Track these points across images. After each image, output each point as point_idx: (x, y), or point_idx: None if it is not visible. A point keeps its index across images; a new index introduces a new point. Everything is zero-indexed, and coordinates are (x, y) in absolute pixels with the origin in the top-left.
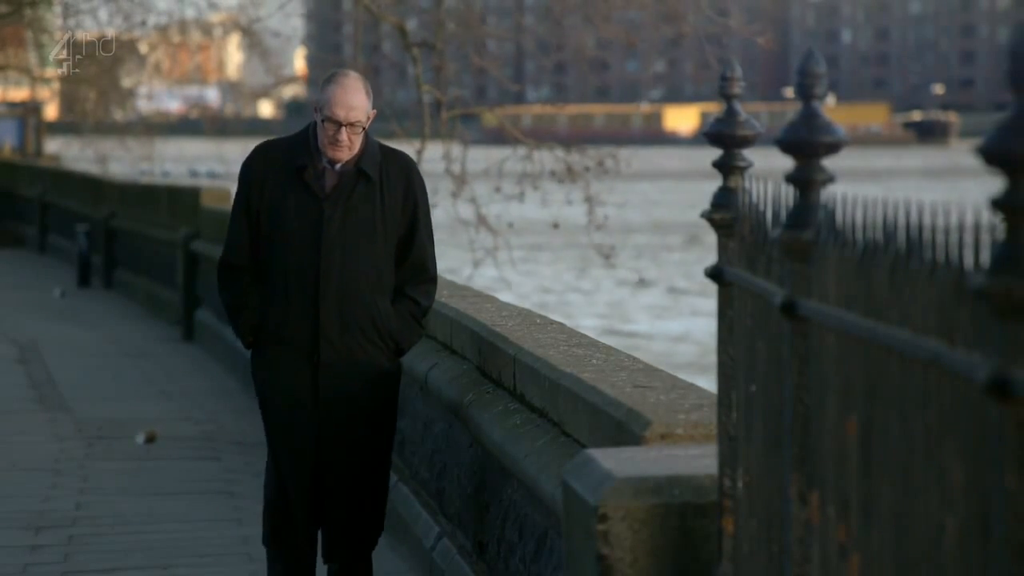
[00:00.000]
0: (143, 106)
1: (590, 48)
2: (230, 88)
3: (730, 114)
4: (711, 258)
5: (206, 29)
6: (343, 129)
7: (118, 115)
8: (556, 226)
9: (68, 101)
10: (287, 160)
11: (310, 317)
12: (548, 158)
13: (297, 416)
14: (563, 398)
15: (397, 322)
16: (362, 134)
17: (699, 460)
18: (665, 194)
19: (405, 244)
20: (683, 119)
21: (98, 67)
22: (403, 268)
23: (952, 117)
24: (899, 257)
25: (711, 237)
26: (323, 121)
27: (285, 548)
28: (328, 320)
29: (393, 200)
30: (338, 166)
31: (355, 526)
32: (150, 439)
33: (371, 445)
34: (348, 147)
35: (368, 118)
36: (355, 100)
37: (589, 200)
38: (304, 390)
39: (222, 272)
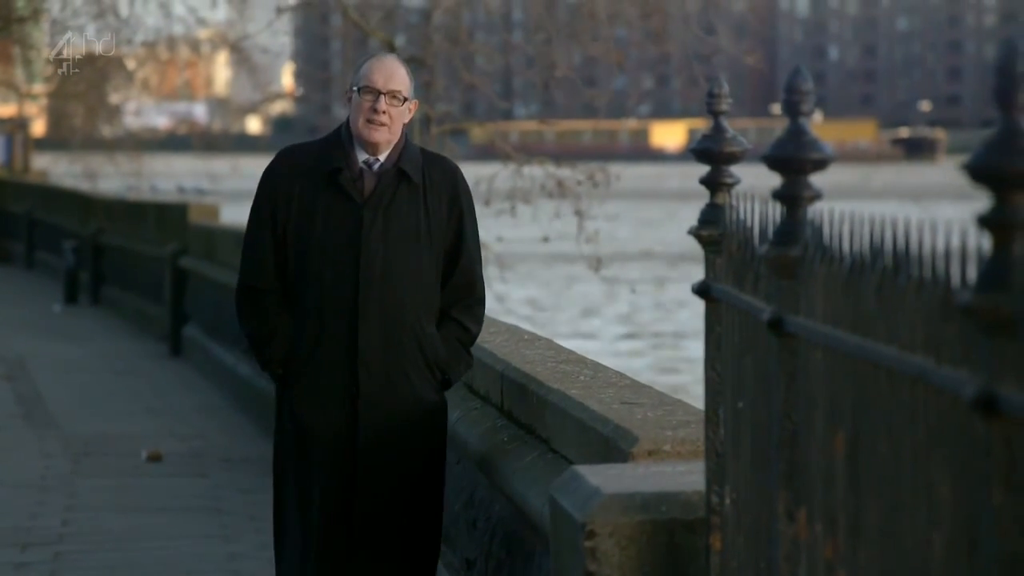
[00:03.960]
0: (131, 122)
1: (575, 66)
2: (218, 104)
3: (717, 130)
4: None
5: (194, 45)
6: (382, 98)
7: (106, 131)
8: (546, 239)
9: (56, 117)
10: (318, 163)
11: (347, 339)
12: (539, 173)
13: (336, 455)
14: (550, 414)
15: (445, 350)
16: (403, 114)
17: (687, 477)
18: (651, 212)
19: (450, 259)
20: (670, 135)
21: (86, 83)
22: (448, 287)
23: (939, 134)
24: (886, 274)
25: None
26: (359, 92)
27: None
28: (368, 341)
29: (438, 207)
30: (376, 166)
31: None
32: (154, 458)
33: (418, 494)
34: (387, 125)
35: (409, 99)
36: (395, 69)
37: (579, 213)
38: (341, 426)
39: (243, 298)
